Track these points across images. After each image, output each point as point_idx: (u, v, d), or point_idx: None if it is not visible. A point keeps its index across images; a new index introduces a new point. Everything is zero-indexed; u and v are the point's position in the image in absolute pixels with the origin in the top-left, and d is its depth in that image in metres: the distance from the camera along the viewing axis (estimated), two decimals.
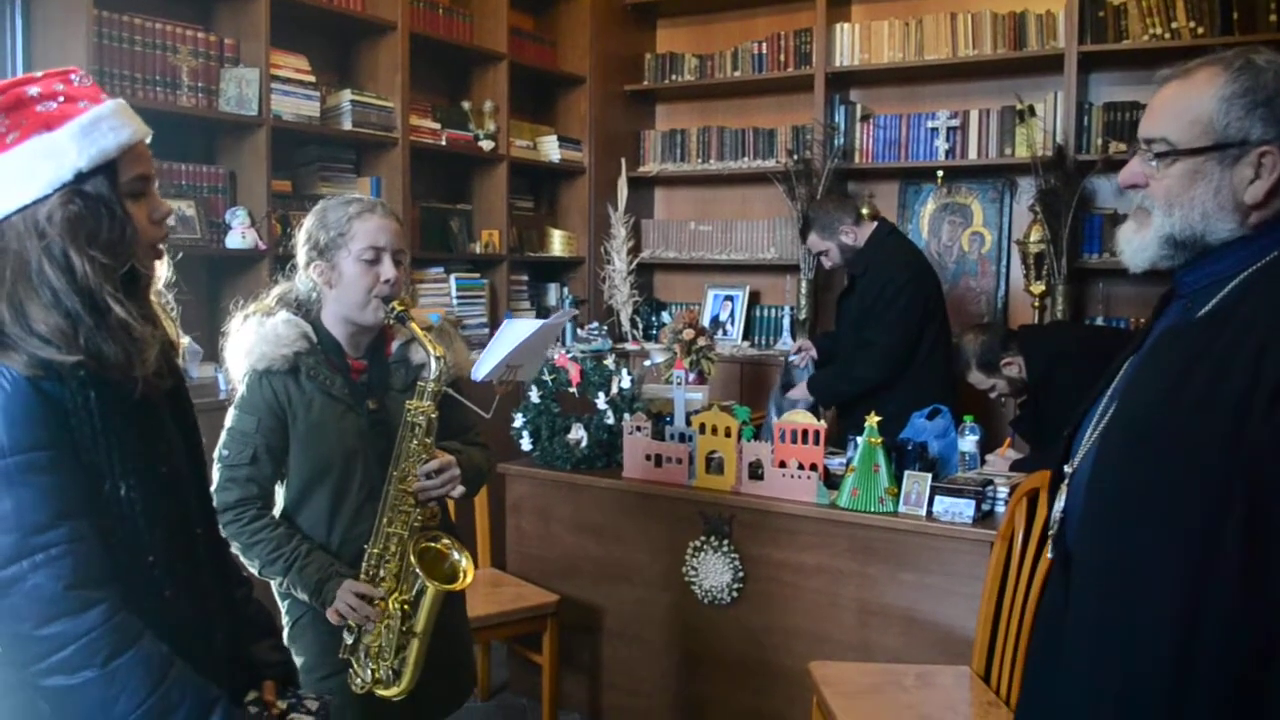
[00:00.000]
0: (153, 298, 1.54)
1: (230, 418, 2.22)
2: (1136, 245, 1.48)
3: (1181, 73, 1.45)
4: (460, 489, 2.26)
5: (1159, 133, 1.44)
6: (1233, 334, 1.34)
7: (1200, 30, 4.42)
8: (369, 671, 2.17)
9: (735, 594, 3.40)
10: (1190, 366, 1.37)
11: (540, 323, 2.77)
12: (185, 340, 1.66)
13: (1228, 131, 1.38)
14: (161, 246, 1.53)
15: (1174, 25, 4.47)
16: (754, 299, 5.76)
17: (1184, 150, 1.41)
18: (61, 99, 1.40)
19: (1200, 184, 1.41)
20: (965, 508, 3.05)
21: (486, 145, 5.11)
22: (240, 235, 3.95)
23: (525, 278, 5.56)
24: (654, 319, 5.78)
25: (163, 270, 1.56)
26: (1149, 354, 1.51)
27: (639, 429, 3.58)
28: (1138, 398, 1.46)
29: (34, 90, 1.40)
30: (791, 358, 4.41)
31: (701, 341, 4.08)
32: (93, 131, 1.39)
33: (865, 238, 4.15)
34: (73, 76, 1.44)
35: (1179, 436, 1.35)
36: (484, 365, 2.71)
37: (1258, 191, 1.38)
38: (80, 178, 1.38)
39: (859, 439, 3.24)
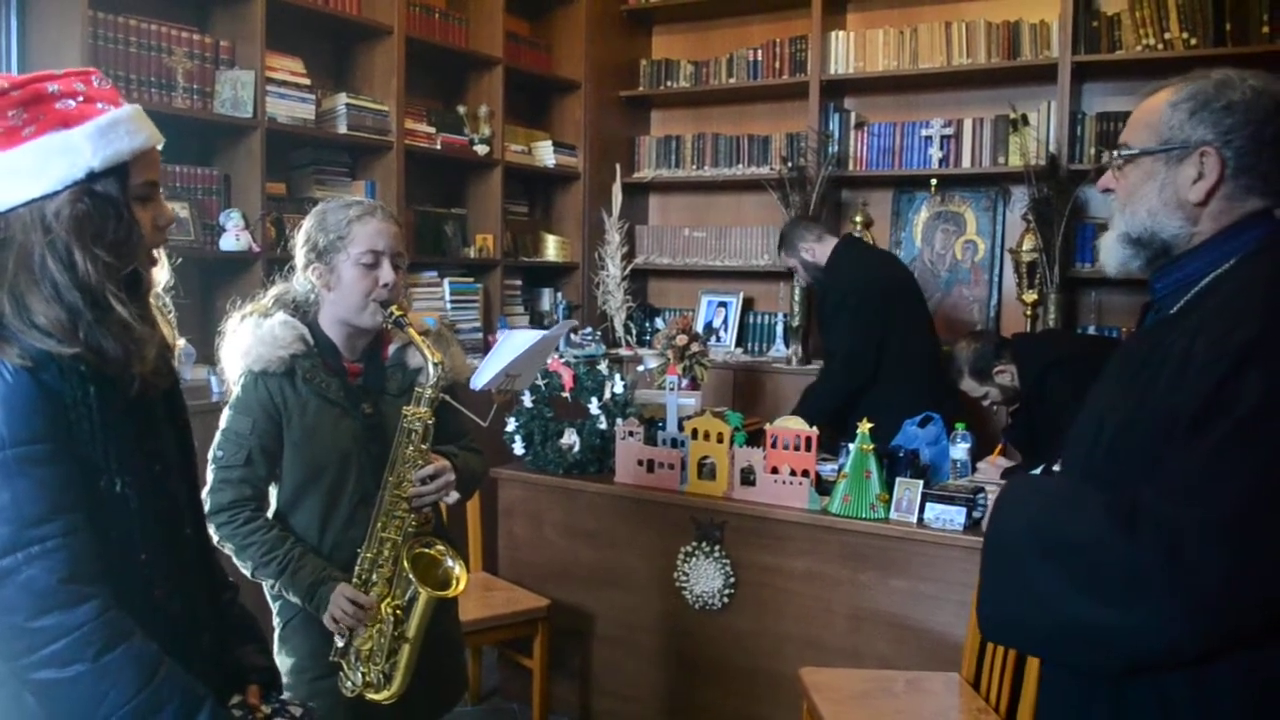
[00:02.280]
0: (151, 300, 1.55)
1: (225, 418, 2.21)
2: (1105, 246, 1.59)
3: (1157, 87, 1.54)
4: (455, 494, 2.26)
5: (1124, 139, 1.55)
6: (1183, 329, 1.42)
7: (1193, 41, 4.44)
8: (359, 675, 2.17)
9: (726, 599, 3.40)
10: (1146, 361, 1.46)
11: (541, 333, 2.77)
12: (181, 343, 1.67)
13: (1172, 133, 1.48)
14: (158, 252, 1.55)
15: (1167, 36, 4.49)
16: (748, 305, 5.77)
17: (1137, 153, 1.51)
18: (81, 98, 1.42)
19: (1149, 183, 1.50)
20: (956, 515, 3.06)
21: (481, 150, 5.11)
22: (234, 237, 3.94)
23: (519, 283, 5.56)
24: (648, 325, 5.79)
25: (162, 274, 1.58)
26: (1115, 357, 1.60)
27: (631, 434, 3.59)
28: (1100, 399, 1.55)
29: (54, 87, 1.42)
30: None
31: (695, 347, 4.09)
32: (109, 133, 1.41)
33: (826, 254, 4.26)
34: (93, 78, 1.46)
35: (1128, 429, 1.43)
36: (484, 374, 2.71)
37: (1200, 190, 1.46)
38: (92, 177, 1.40)
39: (851, 446, 3.25)
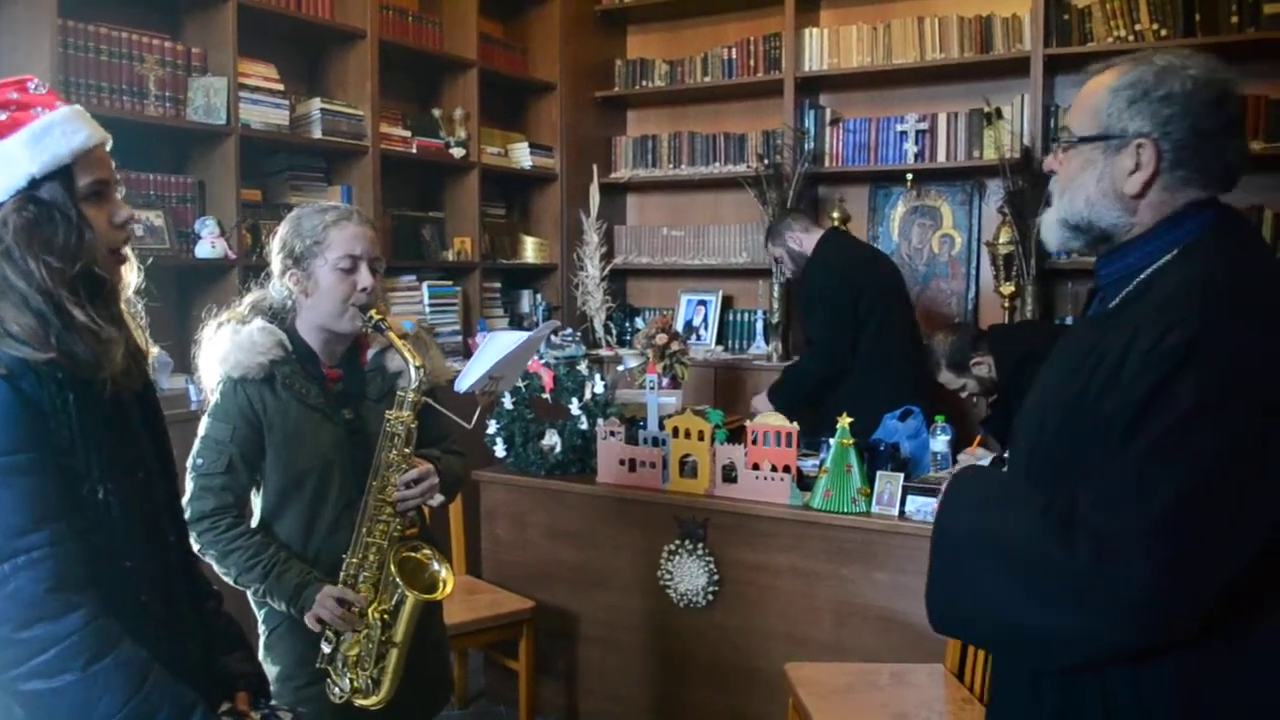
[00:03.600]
0: (123, 306, 1.54)
1: (204, 426, 2.20)
2: (1045, 224, 1.58)
3: (1103, 67, 1.52)
4: (439, 497, 2.26)
5: (1066, 122, 1.54)
6: (1121, 327, 1.41)
7: (1164, 32, 4.48)
8: (347, 680, 2.16)
9: (710, 597, 3.41)
10: (1085, 356, 1.45)
11: (525, 335, 2.77)
12: (155, 350, 1.66)
13: (1110, 122, 1.46)
14: (127, 251, 1.54)
15: (1137, 27, 4.53)
16: (727, 303, 5.78)
17: (1077, 139, 1.50)
18: (14, 108, 1.42)
19: (1088, 171, 1.48)
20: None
21: (457, 153, 5.10)
22: (210, 245, 3.92)
23: (498, 285, 5.55)
24: (628, 325, 5.79)
25: (132, 277, 1.57)
26: (1059, 344, 1.60)
27: (613, 434, 3.59)
28: (1043, 391, 1.55)
29: None
30: None
31: (675, 346, 4.09)
32: (44, 138, 1.40)
33: (813, 244, 4.29)
34: (29, 84, 1.46)
35: (1067, 428, 1.44)
36: (468, 377, 2.71)
37: (1135, 182, 1.45)
38: (34, 183, 1.39)
39: (831, 440, 3.26)
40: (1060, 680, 1.47)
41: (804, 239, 4.32)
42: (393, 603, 2.17)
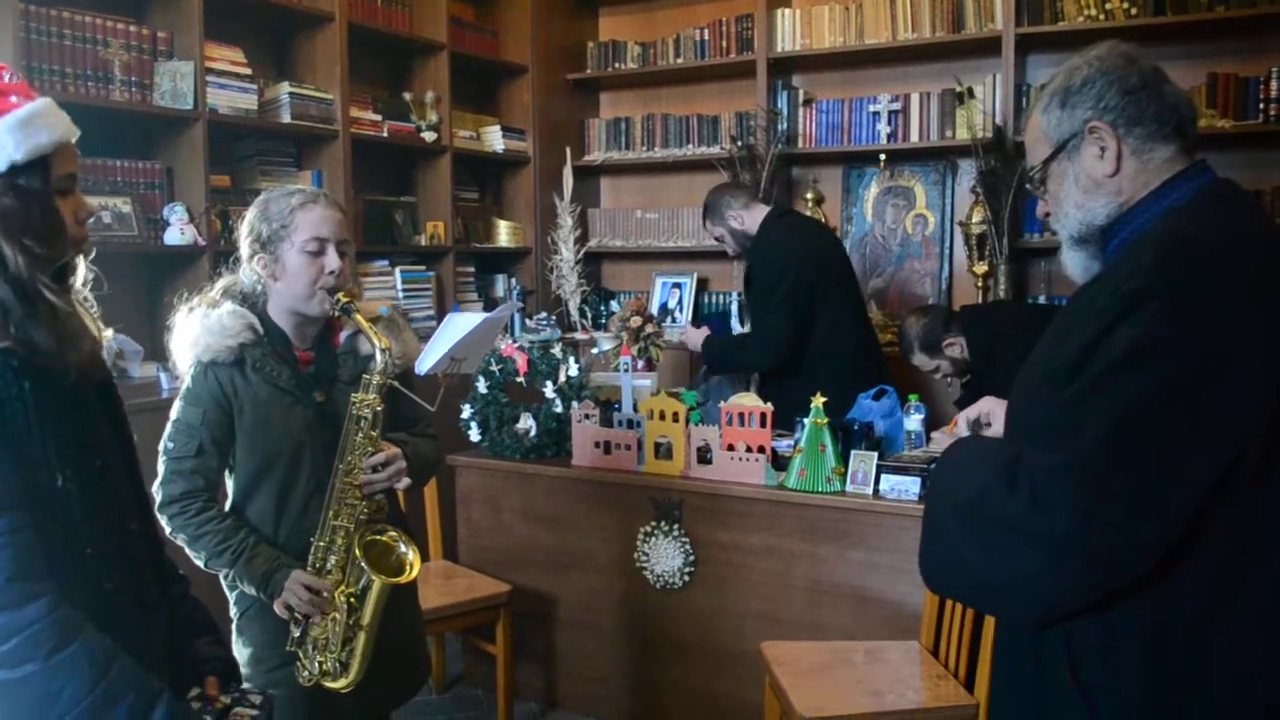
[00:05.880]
0: (72, 296, 1.54)
1: (175, 410, 2.20)
2: (1064, 261, 1.64)
3: (1028, 113, 1.65)
4: (406, 481, 2.26)
5: (1028, 165, 1.63)
6: (1094, 286, 1.48)
7: (1134, 11, 4.49)
8: (316, 663, 2.16)
9: (687, 578, 3.42)
10: (1066, 315, 1.52)
11: (484, 316, 2.76)
12: (108, 334, 1.65)
13: (1058, 132, 1.54)
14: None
15: (1108, 7, 4.54)
16: (702, 285, 5.78)
17: (1040, 166, 1.58)
18: None
19: (1065, 183, 1.55)
20: (911, 485, 3.09)
21: (429, 136, 5.07)
22: (179, 231, 3.88)
23: (472, 269, 5.52)
24: (603, 308, 5.78)
25: (81, 269, 1.57)
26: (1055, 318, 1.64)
27: (587, 417, 3.59)
28: (1033, 355, 1.59)
29: None
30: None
31: (649, 329, 4.09)
32: (28, 126, 1.40)
33: (756, 222, 4.07)
34: (4, 73, 1.45)
35: (1042, 383, 1.46)
36: (428, 358, 2.70)
37: (1109, 159, 1.51)
38: (14, 171, 1.39)
39: (805, 420, 3.26)
40: (1034, 631, 1.49)
41: (745, 216, 4.07)
42: (359, 586, 2.16)
